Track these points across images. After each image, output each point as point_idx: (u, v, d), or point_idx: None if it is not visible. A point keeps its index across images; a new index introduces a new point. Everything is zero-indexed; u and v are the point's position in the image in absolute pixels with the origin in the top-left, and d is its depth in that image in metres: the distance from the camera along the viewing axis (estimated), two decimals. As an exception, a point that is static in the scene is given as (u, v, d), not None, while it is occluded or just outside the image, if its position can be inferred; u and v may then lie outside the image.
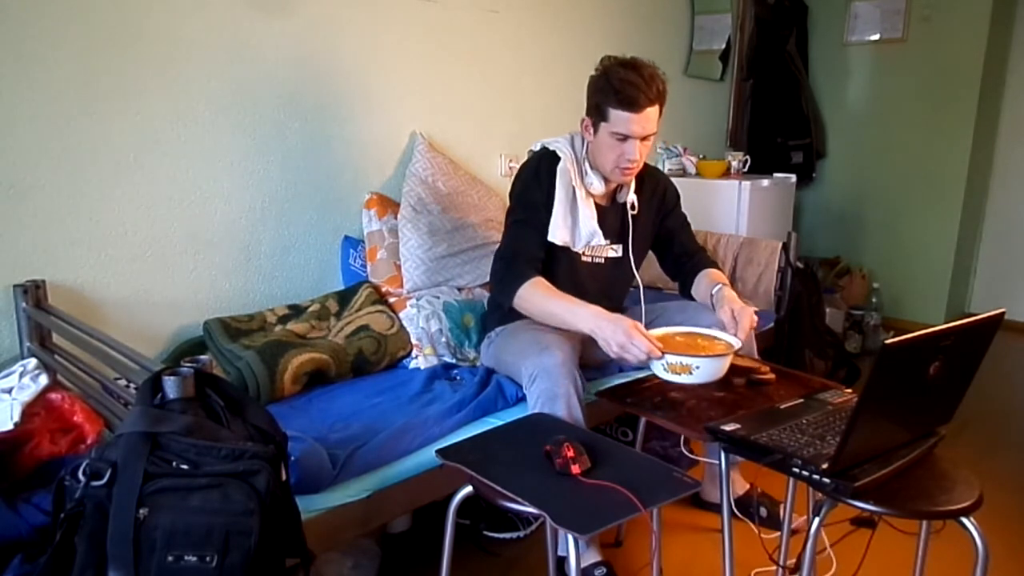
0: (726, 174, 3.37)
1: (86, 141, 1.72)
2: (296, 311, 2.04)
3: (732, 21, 3.70)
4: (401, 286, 2.17)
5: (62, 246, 1.71)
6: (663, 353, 1.53)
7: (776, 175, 3.48)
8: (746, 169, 3.48)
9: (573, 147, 1.85)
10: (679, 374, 1.53)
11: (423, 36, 2.40)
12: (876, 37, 3.96)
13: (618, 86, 1.66)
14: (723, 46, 3.70)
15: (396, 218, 2.24)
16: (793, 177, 3.51)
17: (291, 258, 2.16)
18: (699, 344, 1.64)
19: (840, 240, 4.21)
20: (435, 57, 2.45)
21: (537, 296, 1.71)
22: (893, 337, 1.06)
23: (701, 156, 3.54)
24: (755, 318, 1.71)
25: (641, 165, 1.80)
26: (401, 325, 2.06)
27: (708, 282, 1.88)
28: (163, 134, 1.84)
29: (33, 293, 1.63)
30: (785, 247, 2.62)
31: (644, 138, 1.73)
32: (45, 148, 1.66)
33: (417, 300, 2.11)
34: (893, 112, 3.96)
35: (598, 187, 1.82)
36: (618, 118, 1.68)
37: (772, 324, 2.61)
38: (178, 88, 1.85)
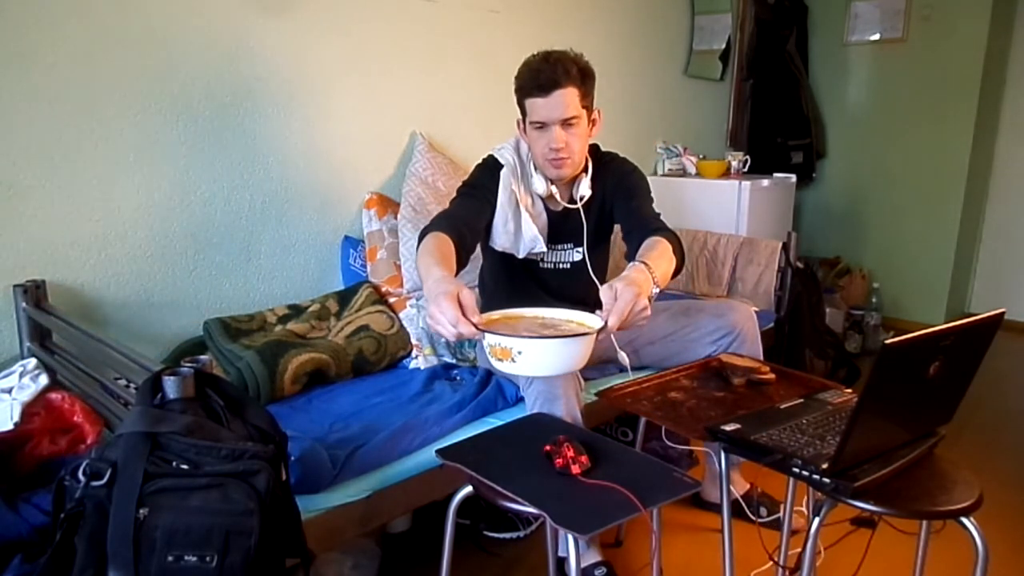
0: (726, 174, 3.38)
1: (86, 141, 1.72)
2: (296, 311, 2.04)
3: (732, 21, 3.70)
4: (401, 286, 2.17)
5: (62, 246, 1.71)
6: (482, 330, 1.19)
7: (776, 175, 3.48)
8: (746, 169, 3.48)
9: (518, 152, 1.80)
10: (502, 360, 1.19)
11: (423, 36, 2.40)
12: (876, 37, 3.96)
13: (526, 75, 1.65)
14: (723, 46, 3.70)
15: (396, 218, 2.24)
16: (793, 177, 3.52)
17: (291, 258, 2.16)
18: (559, 329, 1.28)
19: (840, 240, 4.21)
20: (435, 57, 2.45)
21: (421, 250, 1.47)
22: (893, 337, 1.06)
23: (701, 156, 3.54)
24: (644, 303, 1.26)
25: (575, 154, 1.70)
26: (401, 325, 2.07)
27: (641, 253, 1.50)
28: (163, 134, 1.84)
29: (33, 293, 1.63)
30: (785, 247, 2.62)
31: (566, 125, 1.65)
32: (45, 148, 1.66)
33: (417, 300, 2.11)
34: (893, 112, 3.96)
35: (540, 187, 1.76)
36: (532, 106, 1.66)
37: (772, 324, 2.61)
38: (178, 88, 1.85)
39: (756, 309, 2.52)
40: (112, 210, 1.78)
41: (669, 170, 3.43)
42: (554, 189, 1.78)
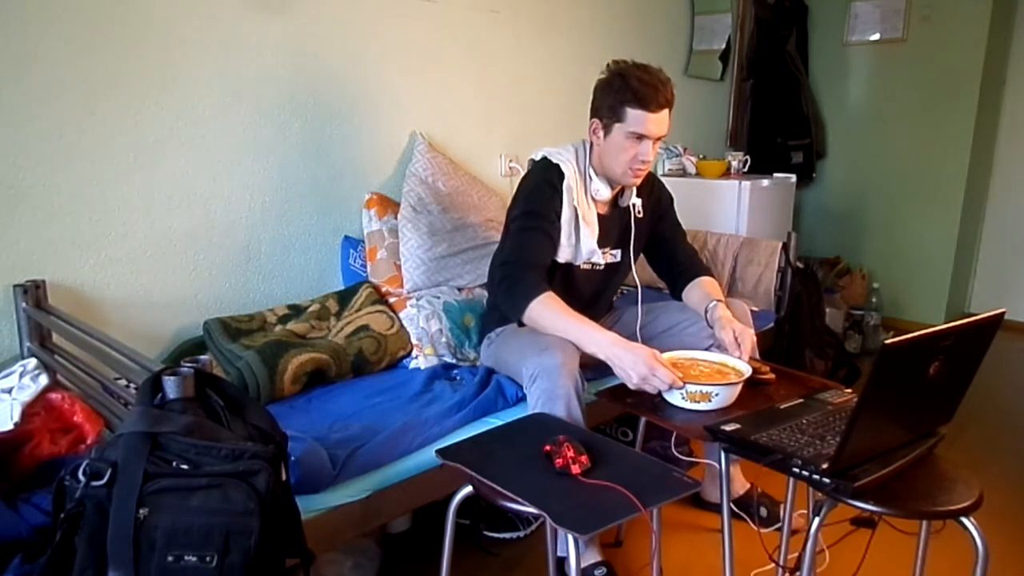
0: (726, 174, 3.37)
1: (86, 141, 1.72)
2: (296, 311, 2.04)
3: (732, 21, 3.70)
4: (401, 286, 2.17)
5: (62, 246, 1.71)
6: (684, 383, 1.50)
7: (776, 175, 3.48)
8: (746, 169, 3.48)
9: (577, 159, 1.84)
10: (698, 402, 1.50)
11: (423, 36, 2.40)
12: (876, 37, 3.96)
13: (636, 86, 1.68)
14: (723, 46, 3.70)
15: (396, 218, 2.24)
16: (793, 177, 3.51)
17: (291, 258, 2.16)
18: (702, 368, 1.62)
19: (840, 240, 4.20)
20: (435, 57, 2.45)
21: (549, 314, 1.66)
22: (893, 337, 1.06)
23: (701, 156, 3.54)
24: (754, 337, 1.71)
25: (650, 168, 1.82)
26: (401, 325, 2.06)
27: (702, 294, 1.88)
28: (163, 134, 1.84)
29: (33, 293, 1.63)
30: (785, 247, 2.62)
31: (656, 140, 1.75)
32: (45, 148, 1.66)
33: (417, 300, 2.11)
34: (893, 112, 3.96)
35: (604, 193, 1.84)
36: (636, 117, 1.70)
37: (772, 324, 2.61)
38: (178, 88, 1.85)
39: (755, 309, 2.53)
40: (112, 210, 1.78)
41: (669, 170, 3.43)
42: (623, 196, 1.91)
